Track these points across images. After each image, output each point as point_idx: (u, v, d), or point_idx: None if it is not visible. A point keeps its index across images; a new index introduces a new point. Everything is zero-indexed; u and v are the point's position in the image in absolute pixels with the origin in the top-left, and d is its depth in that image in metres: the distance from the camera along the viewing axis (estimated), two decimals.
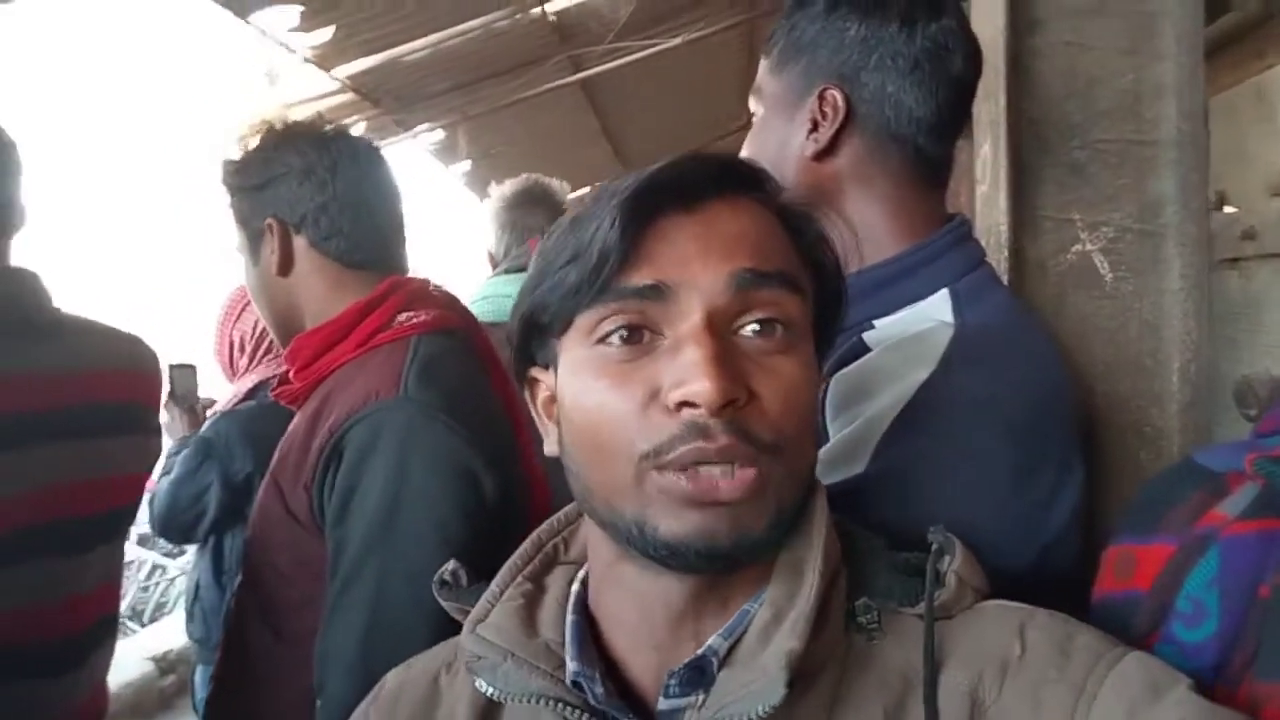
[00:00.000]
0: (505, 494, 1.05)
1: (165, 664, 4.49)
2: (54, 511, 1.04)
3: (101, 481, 1.12)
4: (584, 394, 0.56)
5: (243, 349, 2.40)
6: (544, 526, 0.68)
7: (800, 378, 0.56)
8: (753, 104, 0.99)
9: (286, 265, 1.18)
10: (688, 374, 0.52)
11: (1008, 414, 0.81)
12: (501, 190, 2.14)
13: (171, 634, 4.77)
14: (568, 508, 0.69)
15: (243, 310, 2.38)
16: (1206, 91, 1.18)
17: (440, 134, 6.15)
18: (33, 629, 1.03)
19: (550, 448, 0.63)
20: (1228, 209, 1.54)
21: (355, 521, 1.01)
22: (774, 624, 0.56)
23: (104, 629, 1.16)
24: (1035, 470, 0.81)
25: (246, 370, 2.39)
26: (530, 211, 2.06)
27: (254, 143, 1.21)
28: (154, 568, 5.75)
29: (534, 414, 0.65)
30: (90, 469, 1.10)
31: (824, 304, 0.62)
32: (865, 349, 0.91)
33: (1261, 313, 1.43)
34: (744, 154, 0.99)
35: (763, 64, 0.99)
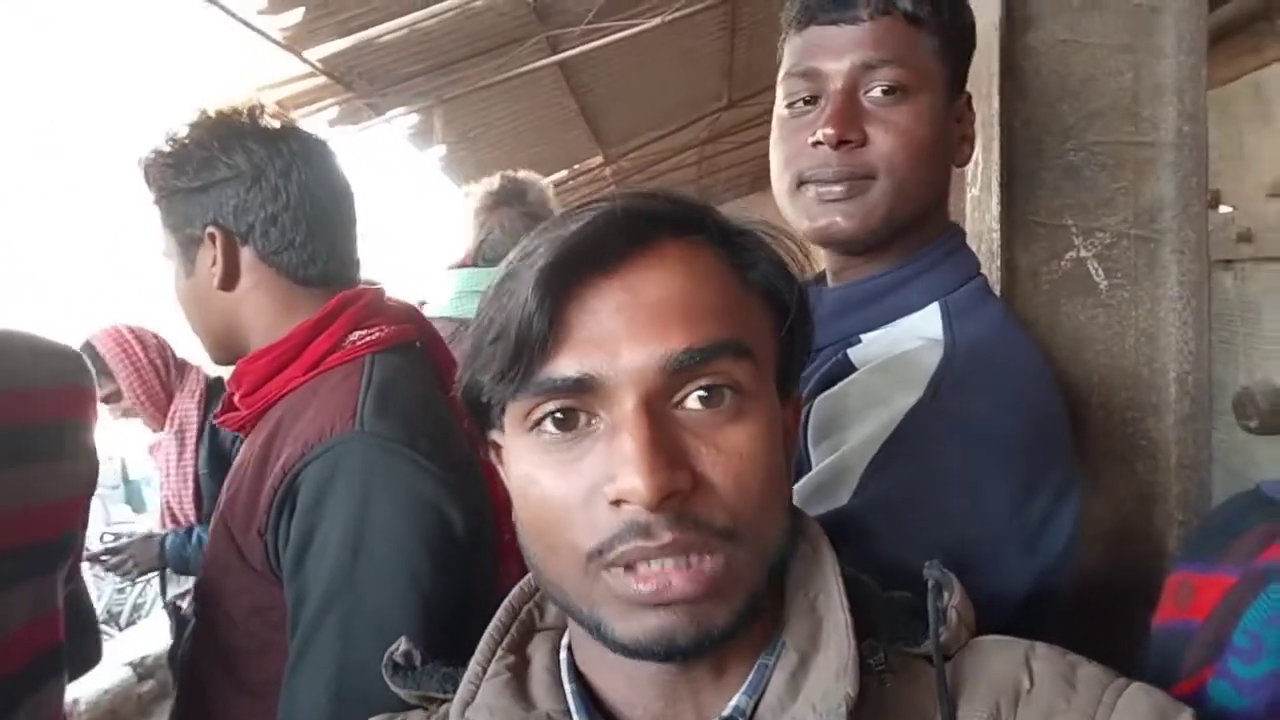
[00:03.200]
0: (471, 524, 0.99)
1: (143, 669, 4.39)
2: None
3: (19, 513, 1.05)
4: (528, 486, 0.53)
5: (166, 369, 2.40)
6: (515, 593, 0.64)
7: (755, 446, 0.52)
8: (898, 75, 0.84)
9: (231, 279, 1.06)
10: (621, 468, 0.48)
11: (1000, 441, 0.78)
12: (475, 191, 2.11)
13: (149, 638, 4.69)
14: None
15: (138, 338, 2.39)
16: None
17: (415, 118, 6.04)
18: None
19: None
20: (1223, 209, 1.50)
21: (315, 569, 0.93)
22: (801, 671, 0.54)
23: (41, 669, 1.09)
24: (1029, 497, 0.78)
25: (180, 376, 2.40)
26: (497, 211, 2.03)
27: (189, 135, 1.06)
28: None
29: (503, 475, 0.59)
30: (13, 498, 1.02)
31: (786, 334, 0.58)
32: (850, 367, 0.87)
33: (1259, 316, 1.40)
34: (903, 136, 0.85)
35: (914, 37, 0.85)
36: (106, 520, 6.38)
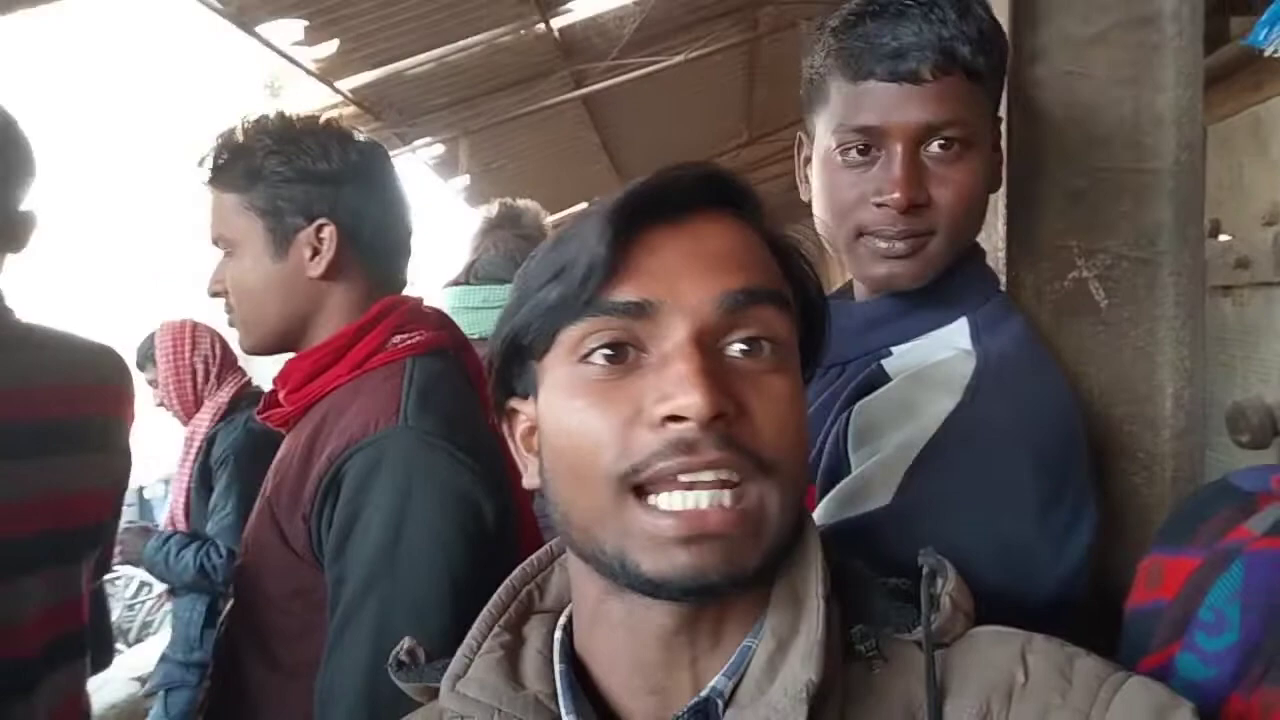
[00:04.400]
0: (502, 519, 1.04)
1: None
2: None
3: (42, 501, 1.07)
4: (564, 414, 0.54)
5: (205, 375, 2.47)
6: (516, 573, 0.65)
7: (792, 395, 0.55)
8: (959, 133, 0.85)
9: (335, 270, 1.11)
10: (674, 387, 0.50)
11: (1034, 445, 0.81)
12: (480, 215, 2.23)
13: (158, 653, 4.71)
14: (539, 552, 0.67)
15: (193, 338, 2.46)
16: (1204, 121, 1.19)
17: (440, 148, 6.17)
18: None
19: (530, 480, 0.61)
20: (1223, 237, 1.55)
21: (356, 553, 0.98)
22: (779, 654, 0.54)
23: (58, 654, 1.11)
24: (1057, 501, 0.81)
25: (217, 387, 2.47)
26: (490, 234, 2.12)
27: (303, 127, 1.11)
28: (141, 585, 5.62)
29: (512, 447, 0.63)
30: (28, 488, 1.05)
31: (807, 324, 0.61)
32: (885, 377, 0.91)
33: (1257, 340, 1.44)
34: (960, 191, 0.87)
35: (973, 92, 0.86)
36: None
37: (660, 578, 0.51)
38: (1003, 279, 1.16)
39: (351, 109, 5.47)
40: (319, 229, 1.10)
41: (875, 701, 0.56)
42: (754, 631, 0.56)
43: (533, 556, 0.67)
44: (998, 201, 1.18)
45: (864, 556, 0.66)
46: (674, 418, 0.50)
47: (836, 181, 0.89)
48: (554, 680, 0.59)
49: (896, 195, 0.84)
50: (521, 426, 0.61)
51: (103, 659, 1.37)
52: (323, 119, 1.15)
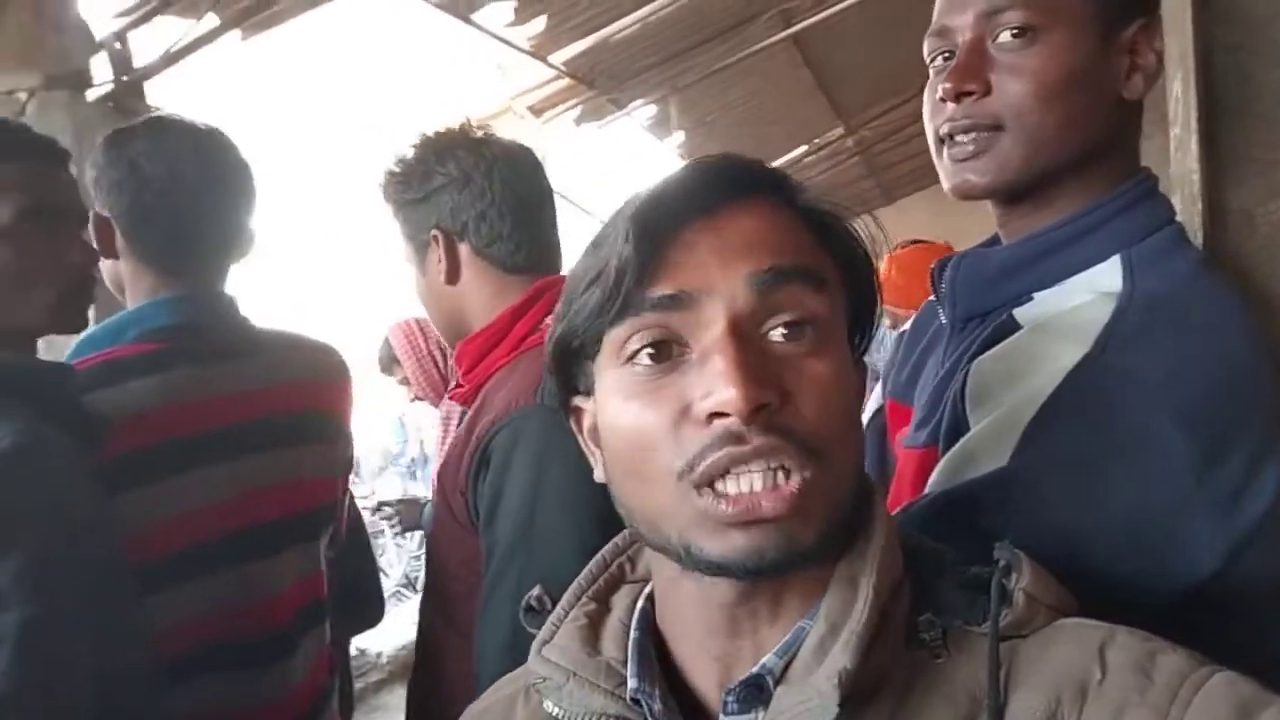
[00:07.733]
0: None
1: None
2: (244, 519, 1.19)
3: (285, 487, 1.26)
4: (618, 416, 0.56)
5: (445, 358, 2.70)
6: (609, 546, 0.69)
7: (835, 378, 0.55)
8: (1025, 16, 0.82)
9: (454, 274, 1.22)
10: (715, 384, 0.52)
11: (1180, 397, 0.73)
12: None
13: None
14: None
15: (423, 329, 2.66)
16: None
17: (653, 109, 6.24)
18: (230, 629, 1.17)
19: (599, 474, 0.63)
20: None
21: (501, 524, 1.07)
22: (830, 638, 0.55)
23: (307, 620, 1.30)
24: (1219, 460, 0.72)
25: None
26: None
27: (412, 154, 1.23)
28: (422, 539, 6.30)
29: (582, 443, 0.65)
30: (275, 476, 1.23)
31: (857, 302, 0.61)
32: (1015, 326, 0.84)
33: None
34: (1031, 81, 0.82)
35: None
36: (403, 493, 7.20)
37: (723, 559, 0.54)
38: (1199, 205, 1.03)
39: (566, 81, 5.65)
40: (435, 240, 1.22)
41: (938, 690, 0.55)
42: (811, 614, 0.57)
43: (625, 531, 0.69)
44: (1189, 116, 1.04)
45: (977, 523, 0.63)
46: (719, 413, 0.52)
47: (927, 95, 0.88)
48: (628, 647, 0.61)
49: (946, 84, 0.82)
50: (587, 423, 0.63)
51: (375, 615, 1.59)
52: (445, 128, 1.25)
